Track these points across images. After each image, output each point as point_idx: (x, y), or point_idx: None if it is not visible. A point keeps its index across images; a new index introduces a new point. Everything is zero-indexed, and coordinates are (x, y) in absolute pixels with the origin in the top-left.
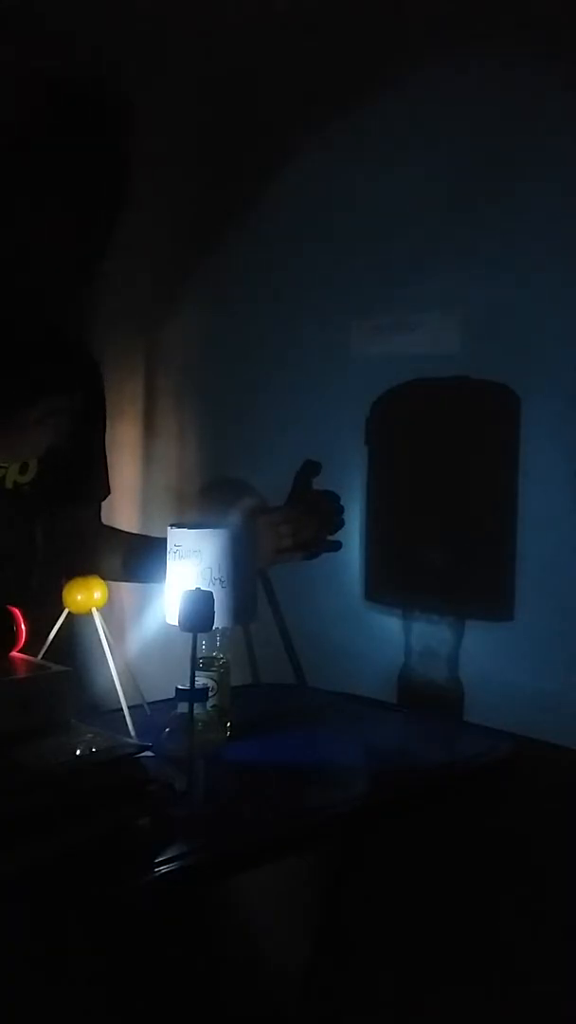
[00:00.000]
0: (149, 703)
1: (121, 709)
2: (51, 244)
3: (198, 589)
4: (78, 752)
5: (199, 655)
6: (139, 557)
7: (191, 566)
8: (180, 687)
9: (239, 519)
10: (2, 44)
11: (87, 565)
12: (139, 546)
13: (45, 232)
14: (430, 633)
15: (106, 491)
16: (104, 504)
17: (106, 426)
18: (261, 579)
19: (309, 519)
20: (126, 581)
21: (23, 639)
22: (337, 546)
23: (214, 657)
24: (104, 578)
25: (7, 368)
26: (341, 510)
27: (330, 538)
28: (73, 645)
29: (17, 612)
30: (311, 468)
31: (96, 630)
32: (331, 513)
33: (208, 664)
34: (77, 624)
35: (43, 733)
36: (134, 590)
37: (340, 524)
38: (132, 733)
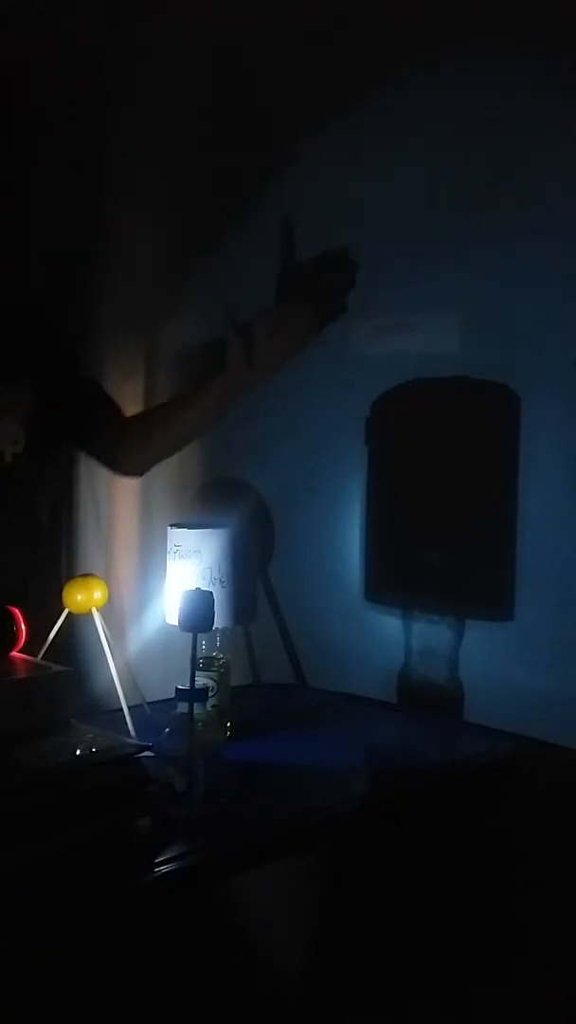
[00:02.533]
0: (149, 703)
1: (121, 709)
2: None
3: (198, 589)
4: (78, 752)
5: (199, 655)
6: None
7: (191, 566)
8: (180, 687)
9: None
10: None
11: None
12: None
13: None
14: (430, 633)
15: (111, 413)
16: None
17: (70, 365)
18: (261, 579)
19: (297, 306)
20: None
21: (23, 639)
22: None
23: (214, 657)
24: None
25: None
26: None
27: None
28: (73, 645)
29: (17, 612)
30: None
31: (96, 630)
32: (326, 292)
33: (208, 664)
34: (77, 624)
35: (43, 733)
36: (134, 590)
37: (347, 285)
38: (132, 733)
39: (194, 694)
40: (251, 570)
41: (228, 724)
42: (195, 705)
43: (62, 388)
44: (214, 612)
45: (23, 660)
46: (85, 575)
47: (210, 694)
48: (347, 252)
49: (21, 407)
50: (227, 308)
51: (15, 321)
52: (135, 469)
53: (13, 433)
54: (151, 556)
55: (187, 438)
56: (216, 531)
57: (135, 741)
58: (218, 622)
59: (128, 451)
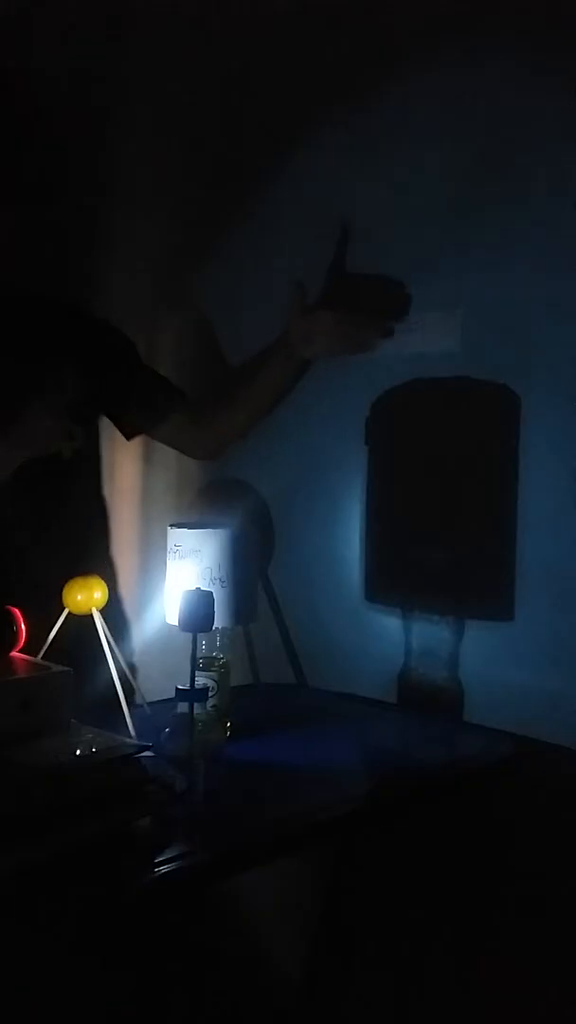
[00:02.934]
0: (149, 703)
1: (121, 709)
2: None
3: (198, 589)
4: (78, 752)
5: (199, 655)
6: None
7: (191, 566)
8: (180, 687)
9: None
10: None
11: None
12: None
13: None
14: (430, 633)
15: (175, 400)
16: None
17: (137, 358)
18: (261, 579)
19: (364, 316)
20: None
21: (23, 639)
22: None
23: (214, 657)
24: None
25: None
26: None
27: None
28: (73, 645)
29: (17, 612)
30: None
31: (96, 630)
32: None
33: (208, 664)
34: (77, 624)
35: (43, 733)
36: (134, 590)
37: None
38: (132, 733)
39: (194, 694)
40: (251, 570)
41: (228, 724)
42: (195, 705)
43: (121, 382)
44: (214, 612)
45: (23, 660)
46: (85, 575)
47: (210, 694)
48: (404, 284)
49: (77, 403)
50: (293, 286)
51: (64, 316)
52: (208, 453)
53: (69, 430)
54: (151, 556)
55: (253, 416)
56: (216, 531)
57: (135, 741)
58: (218, 622)
59: (199, 435)
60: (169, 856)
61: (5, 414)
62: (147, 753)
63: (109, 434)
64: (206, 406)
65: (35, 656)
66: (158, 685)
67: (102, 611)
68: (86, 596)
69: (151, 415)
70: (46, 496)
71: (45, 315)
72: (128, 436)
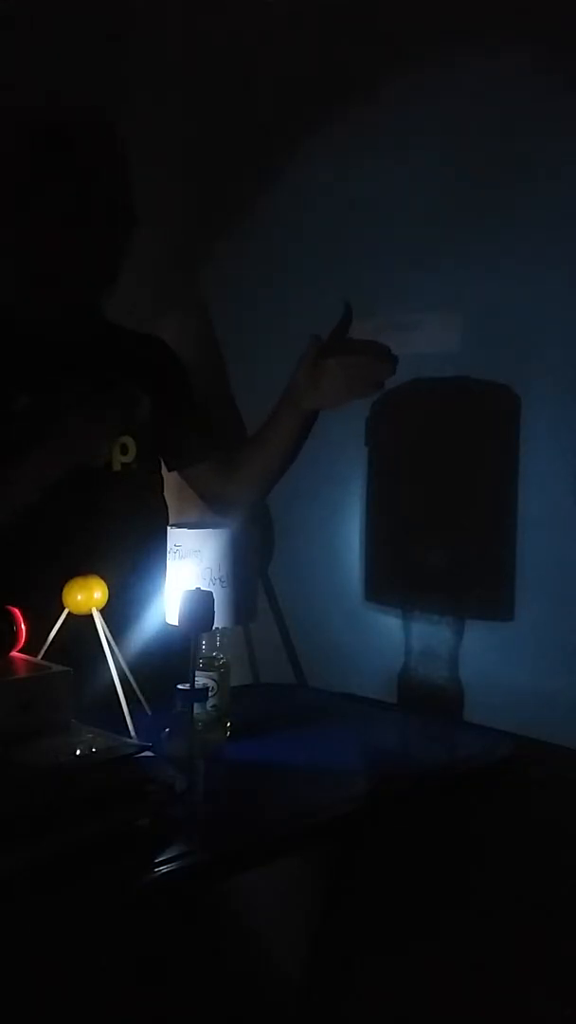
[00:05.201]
0: (149, 703)
1: (121, 709)
2: (58, 268)
3: (198, 589)
4: (78, 752)
5: (199, 655)
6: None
7: (191, 566)
8: (180, 687)
9: (307, 361)
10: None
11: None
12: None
13: (49, 258)
14: (430, 633)
15: (212, 445)
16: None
17: (189, 391)
18: (261, 579)
19: (368, 356)
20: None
21: (23, 639)
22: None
23: (214, 657)
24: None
25: (76, 370)
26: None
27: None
28: (73, 645)
29: (17, 612)
30: (349, 313)
31: (96, 630)
32: (386, 351)
33: (208, 664)
34: (77, 624)
35: (43, 733)
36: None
37: (395, 362)
38: (132, 733)
39: (194, 694)
40: (251, 570)
41: (228, 724)
42: (195, 705)
43: (179, 411)
44: (214, 612)
45: (23, 660)
46: (85, 575)
47: (210, 694)
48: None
49: (135, 419)
50: (312, 339)
51: (133, 342)
52: (219, 507)
53: (123, 443)
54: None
55: (269, 475)
56: (216, 531)
57: (135, 741)
58: (218, 622)
59: (217, 486)
60: (169, 856)
61: (62, 422)
62: (147, 753)
63: None
64: (230, 461)
65: (35, 656)
66: (158, 685)
67: (102, 611)
68: (86, 596)
69: (195, 451)
70: (74, 504)
71: (118, 338)
72: (170, 467)
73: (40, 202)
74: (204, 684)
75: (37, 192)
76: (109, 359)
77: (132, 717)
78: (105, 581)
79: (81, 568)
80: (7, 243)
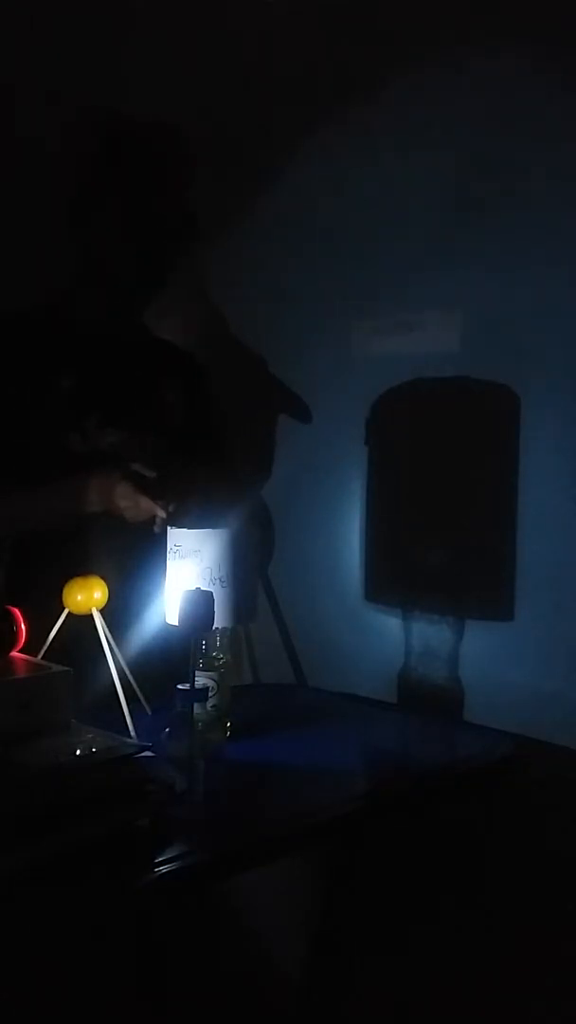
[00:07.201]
0: (149, 703)
1: (121, 709)
2: (113, 269)
3: (198, 589)
4: (78, 752)
5: (199, 655)
6: None
7: (191, 566)
8: (180, 687)
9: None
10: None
11: None
12: None
13: (107, 258)
14: (430, 633)
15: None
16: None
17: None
18: (261, 579)
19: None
20: None
21: (23, 639)
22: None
23: (214, 657)
24: None
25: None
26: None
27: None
28: (73, 645)
29: (17, 612)
30: None
31: (96, 630)
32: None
33: (208, 664)
34: (77, 624)
35: (43, 733)
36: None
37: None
38: (132, 733)
39: (194, 694)
40: (251, 570)
41: (228, 724)
42: (195, 705)
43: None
44: (214, 612)
45: (23, 660)
46: (85, 575)
47: (210, 694)
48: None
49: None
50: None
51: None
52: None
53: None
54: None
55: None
56: (216, 531)
57: (135, 741)
58: (218, 622)
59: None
60: (169, 856)
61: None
62: (147, 753)
63: None
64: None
65: (35, 656)
66: (158, 685)
67: (102, 611)
68: (86, 596)
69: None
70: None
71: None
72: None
73: (108, 206)
74: (204, 684)
75: (108, 194)
76: (152, 360)
77: (132, 717)
78: (105, 581)
79: (81, 568)
80: (78, 244)
